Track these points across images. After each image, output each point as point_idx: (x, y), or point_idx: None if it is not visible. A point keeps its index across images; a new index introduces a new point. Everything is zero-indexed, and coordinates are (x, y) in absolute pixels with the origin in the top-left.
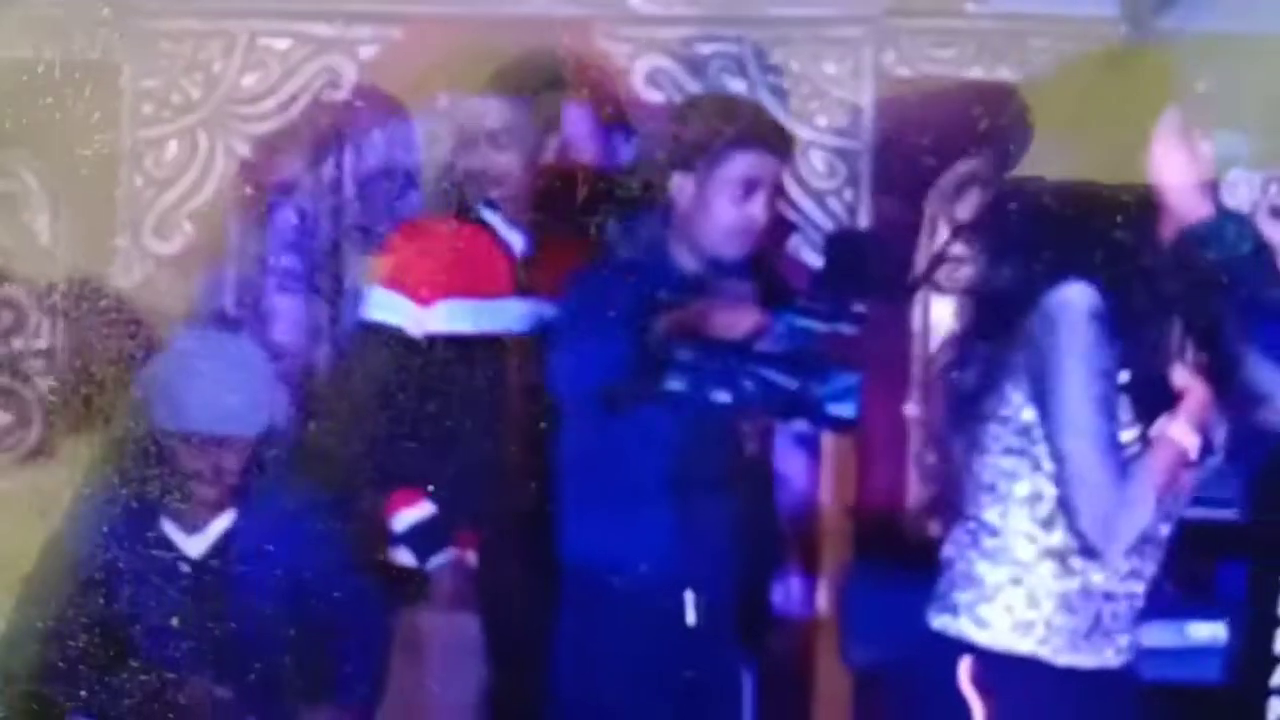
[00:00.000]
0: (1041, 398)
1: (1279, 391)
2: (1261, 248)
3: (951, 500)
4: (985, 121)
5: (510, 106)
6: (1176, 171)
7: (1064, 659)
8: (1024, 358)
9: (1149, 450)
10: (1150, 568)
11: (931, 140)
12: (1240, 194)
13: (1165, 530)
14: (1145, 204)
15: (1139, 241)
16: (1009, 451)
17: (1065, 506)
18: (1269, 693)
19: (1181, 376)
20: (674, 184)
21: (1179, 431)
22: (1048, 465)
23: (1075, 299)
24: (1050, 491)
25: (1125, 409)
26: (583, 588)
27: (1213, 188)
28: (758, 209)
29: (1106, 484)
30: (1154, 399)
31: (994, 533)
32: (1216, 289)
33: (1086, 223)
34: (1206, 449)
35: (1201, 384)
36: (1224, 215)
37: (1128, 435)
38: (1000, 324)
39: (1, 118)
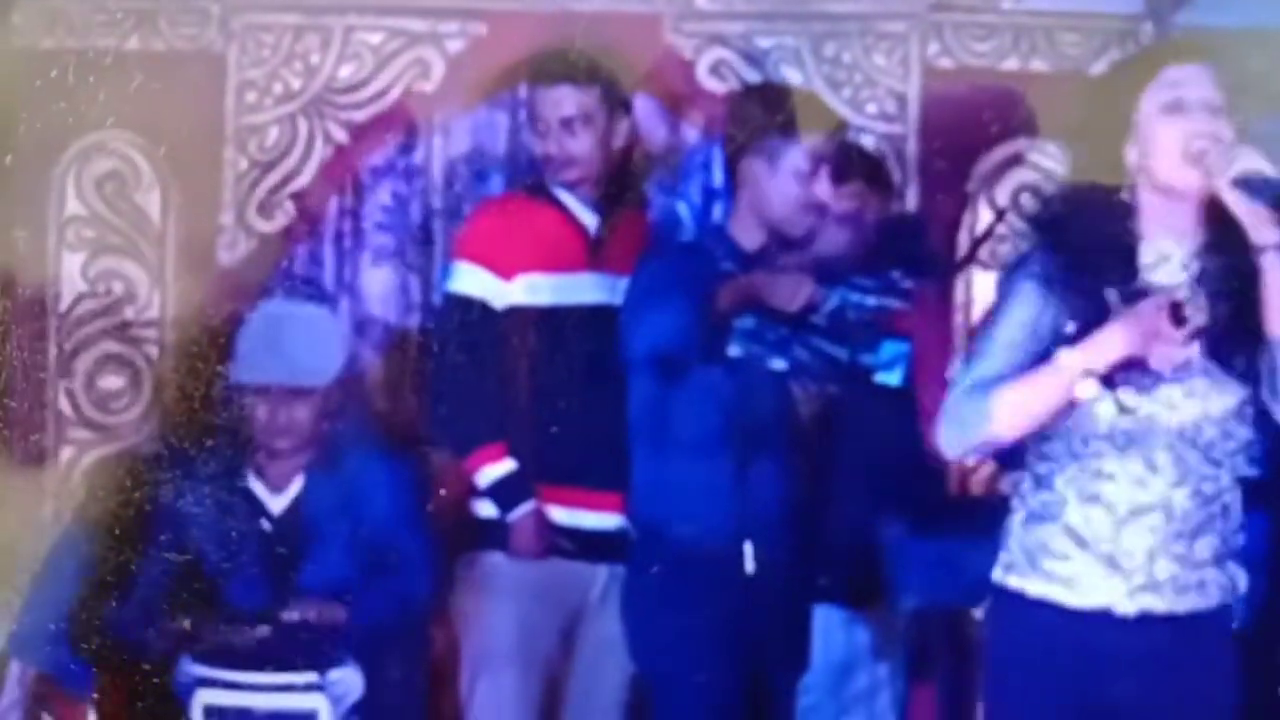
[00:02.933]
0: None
1: None
2: None
3: (1003, 458)
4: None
5: (583, 95)
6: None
7: (1124, 607)
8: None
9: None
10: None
11: (973, 126)
12: None
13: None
14: None
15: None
16: None
17: None
18: None
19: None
20: (742, 167)
21: (1068, 360)
22: None
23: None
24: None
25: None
26: (649, 539)
27: None
28: (821, 188)
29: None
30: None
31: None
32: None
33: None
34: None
35: (1124, 326)
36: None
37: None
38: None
39: (115, 103)
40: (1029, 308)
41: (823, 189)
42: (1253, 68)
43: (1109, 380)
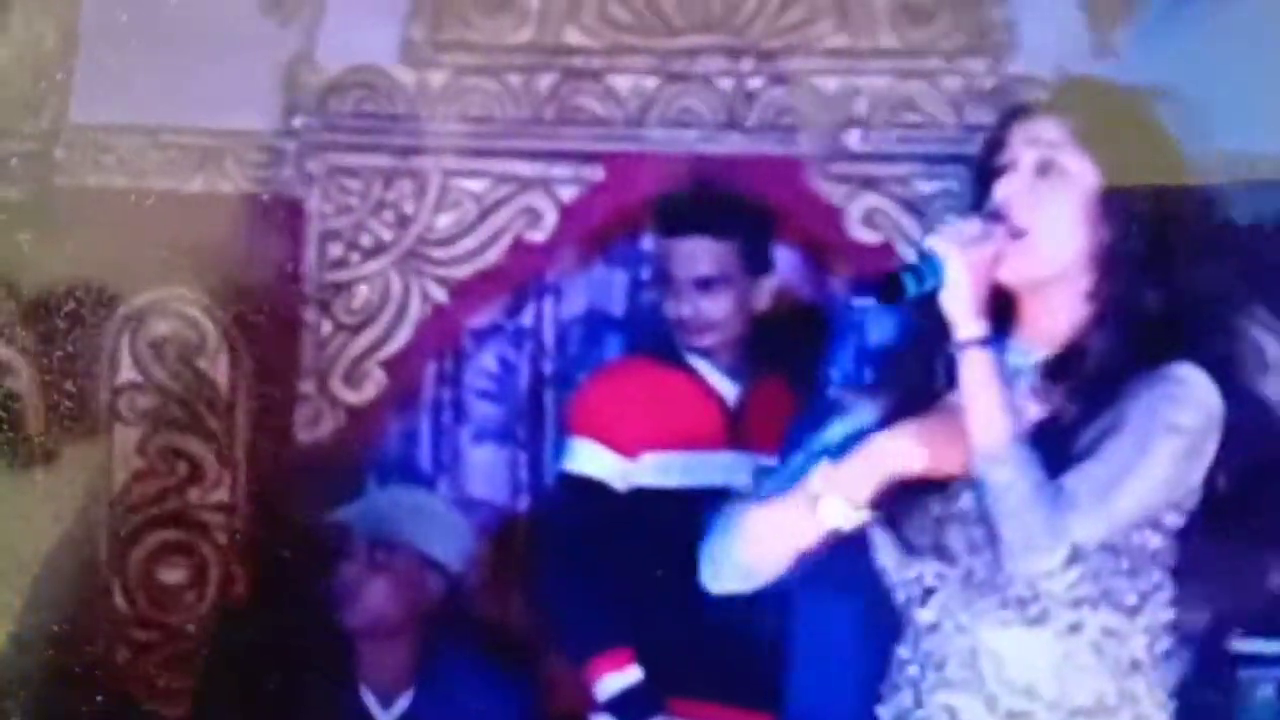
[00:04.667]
0: None
1: None
2: None
3: None
4: None
5: (720, 249)
6: None
7: None
8: None
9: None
10: None
11: None
12: None
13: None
14: None
15: None
16: None
17: None
18: None
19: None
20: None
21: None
22: None
23: None
24: None
25: None
26: None
27: None
28: None
29: None
30: None
31: None
32: None
33: None
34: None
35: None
36: None
37: None
38: None
39: (175, 254)
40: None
41: None
42: None
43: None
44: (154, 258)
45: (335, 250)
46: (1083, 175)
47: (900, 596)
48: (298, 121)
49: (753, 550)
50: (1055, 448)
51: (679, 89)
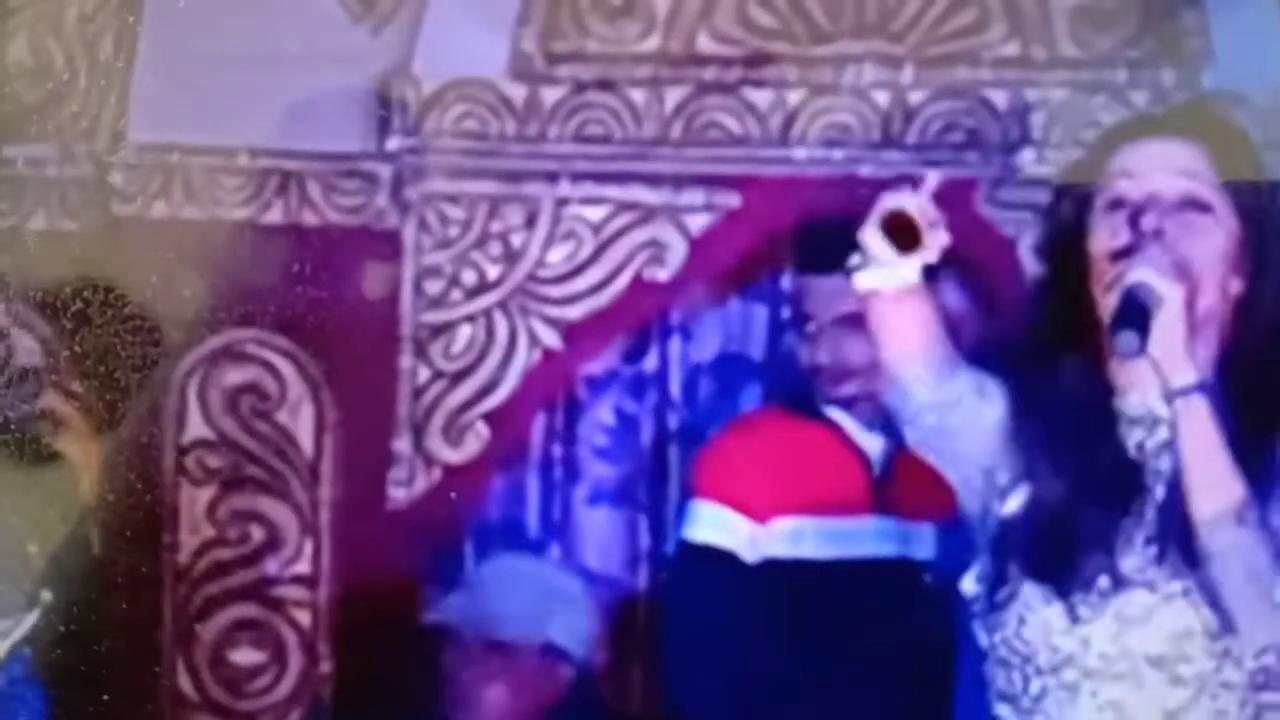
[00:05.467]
0: None
1: None
2: None
3: None
4: None
5: None
6: None
7: None
8: None
9: None
10: None
11: None
12: None
13: None
14: None
15: None
16: None
17: None
18: None
19: None
20: None
21: None
22: None
23: None
24: None
25: None
26: None
27: None
28: None
29: None
30: None
31: None
32: None
33: None
34: None
35: None
36: None
37: None
38: None
39: (251, 294)
40: None
41: None
42: None
43: None
44: (227, 297)
45: (434, 288)
46: (1225, 216)
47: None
48: (393, 143)
49: None
50: None
51: (827, 102)
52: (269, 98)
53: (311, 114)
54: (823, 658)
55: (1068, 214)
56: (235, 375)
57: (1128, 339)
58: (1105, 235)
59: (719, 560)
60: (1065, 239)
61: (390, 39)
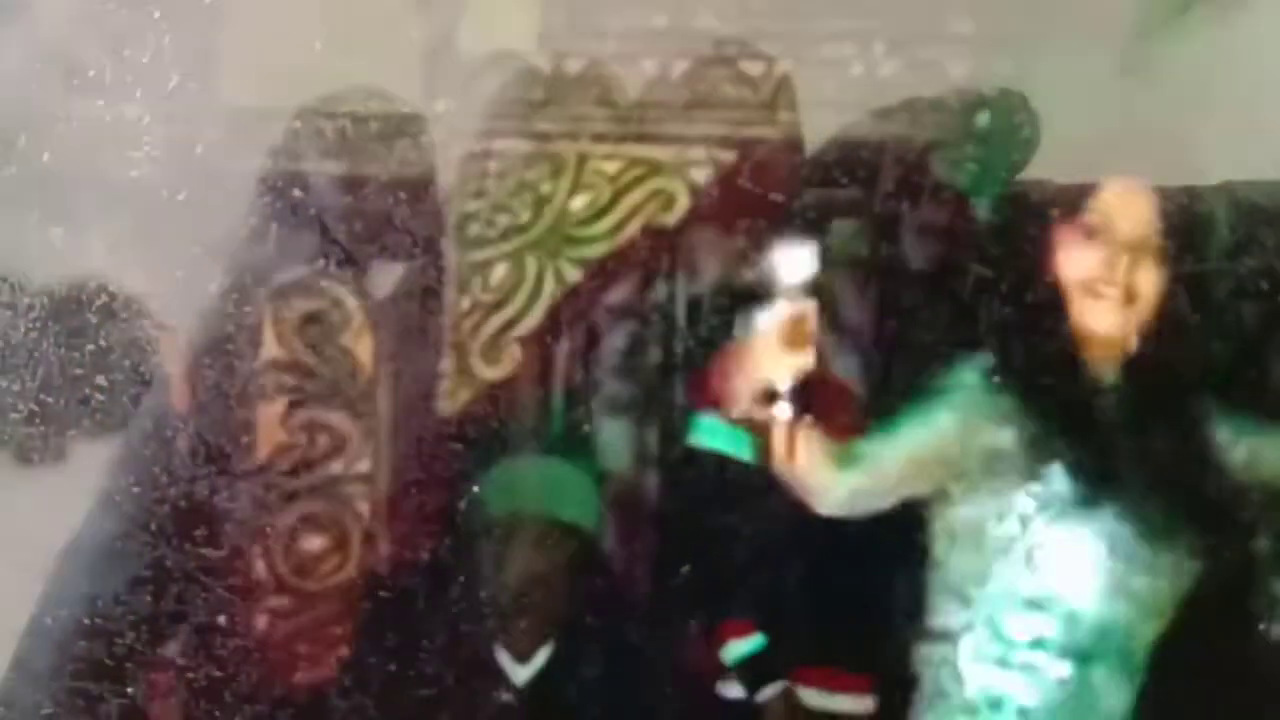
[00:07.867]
0: None
1: None
2: None
3: None
4: None
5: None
6: None
7: None
8: None
9: None
10: None
11: None
12: None
13: None
14: None
15: None
16: None
17: None
18: None
19: None
20: None
21: None
22: None
23: None
24: None
25: None
26: None
27: None
28: None
29: None
30: None
31: None
32: None
33: None
34: None
35: None
36: None
37: None
38: None
39: (324, 238)
40: None
41: None
42: None
43: None
44: (298, 238)
45: (473, 230)
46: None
47: None
48: (440, 105)
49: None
50: None
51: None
52: (331, 62)
53: (368, 79)
54: (808, 543)
55: None
56: (306, 305)
57: None
58: None
59: (719, 464)
60: None
61: (438, 13)
